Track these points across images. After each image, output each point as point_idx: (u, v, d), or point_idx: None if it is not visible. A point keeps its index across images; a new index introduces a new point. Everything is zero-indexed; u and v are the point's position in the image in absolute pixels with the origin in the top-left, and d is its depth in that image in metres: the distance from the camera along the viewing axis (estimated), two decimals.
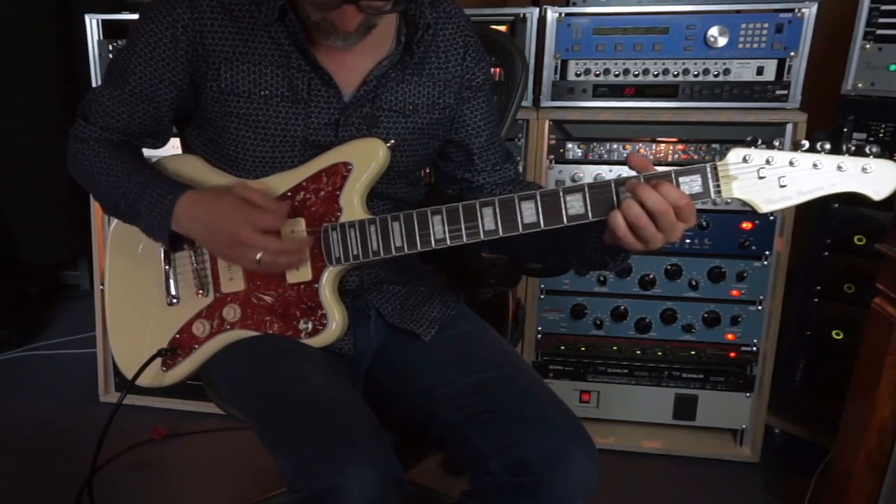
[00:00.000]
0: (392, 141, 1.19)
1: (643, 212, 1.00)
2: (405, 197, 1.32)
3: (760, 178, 1.00)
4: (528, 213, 1.08)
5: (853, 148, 0.98)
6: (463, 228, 1.11)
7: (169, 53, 1.17)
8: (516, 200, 1.08)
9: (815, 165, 0.99)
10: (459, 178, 1.34)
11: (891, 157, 0.98)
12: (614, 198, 1.04)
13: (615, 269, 1.16)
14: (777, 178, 1.00)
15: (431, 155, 1.33)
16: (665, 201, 0.99)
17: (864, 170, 0.97)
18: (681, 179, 1.02)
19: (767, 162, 1.00)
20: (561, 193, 1.06)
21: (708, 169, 1.01)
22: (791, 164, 0.99)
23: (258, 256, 1.12)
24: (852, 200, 0.99)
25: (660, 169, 1.03)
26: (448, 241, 1.12)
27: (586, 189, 1.05)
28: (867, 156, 0.97)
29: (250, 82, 1.17)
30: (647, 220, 1.00)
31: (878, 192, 0.98)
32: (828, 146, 0.98)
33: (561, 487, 1.05)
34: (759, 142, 1.00)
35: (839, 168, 0.98)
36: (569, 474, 1.05)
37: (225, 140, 1.22)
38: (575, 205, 1.06)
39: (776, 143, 1.00)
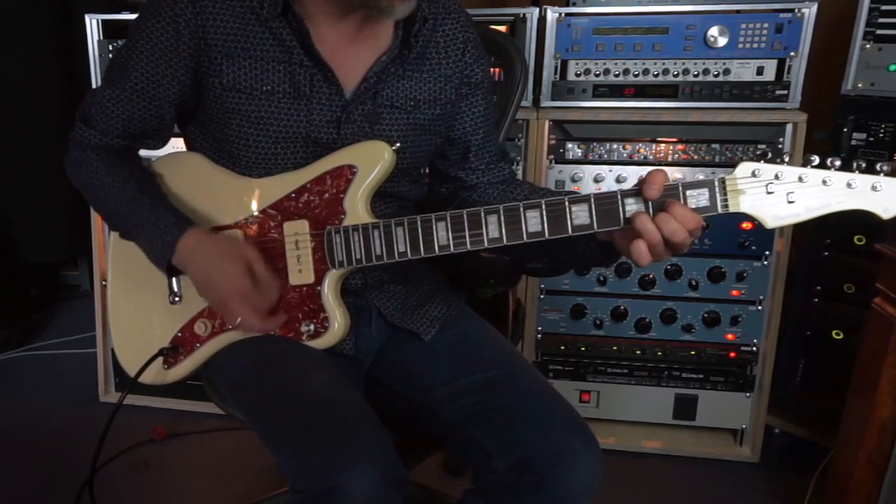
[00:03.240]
0: (398, 144, 1.19)
1: (661, 238, 1.00)
2: (408, 195, 1.33)
3: (769, 193, 0.99)
4: (533, 222, 1.07)
5: (863, 165, 0.96)
6: (467, 236, 1.10)
7: (171, 48, 1.17)
8: (521, 209, 1.07)
9: (824, 182, 0.97)
10: (453, 177, 1.34)
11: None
12: (620, 209, 1.04)
13: (610, 265, 1.16)
14: (786, 194, 0.99)
15: (433, 152, 1.33)
16: (683, 229, 1.00)
17: (873, 188, 0.96)
18: (688, 193, 1.01)
19: (776, 177, 0.99)
20: (566, 203, 1.06)
21: (716, 183, 1.00)
22: (800, 179, 0.98)
23: (237, 322, 1.18)
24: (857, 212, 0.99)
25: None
26: (452, 248, 1.11)
27: (592, 200, 1.05)
28: (878, 174, 0.96)
29: (252, 78, 1.17)
30: (661, 239, 1.00)
31: (887, 211, 0.97)
32: (838, 163, 0.97)
33: (565, 485, 1.05)
34: (769, 155, 0.99)
35: (849, 185, 0.97)
36: (573, 472, 1.05)
37: (227, 137, 1.22)
38: (580, 215, 1.05)
39: (785, 158, 0.99)
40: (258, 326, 1.18)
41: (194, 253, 1.17)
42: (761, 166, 0.99)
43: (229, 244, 1.19)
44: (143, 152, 1.30)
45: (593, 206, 1.05)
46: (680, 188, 1.02)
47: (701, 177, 1.03)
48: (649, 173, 1.02)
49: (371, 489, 0.98)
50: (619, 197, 1.04)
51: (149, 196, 1.21)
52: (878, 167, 0.96)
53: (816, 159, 0.98)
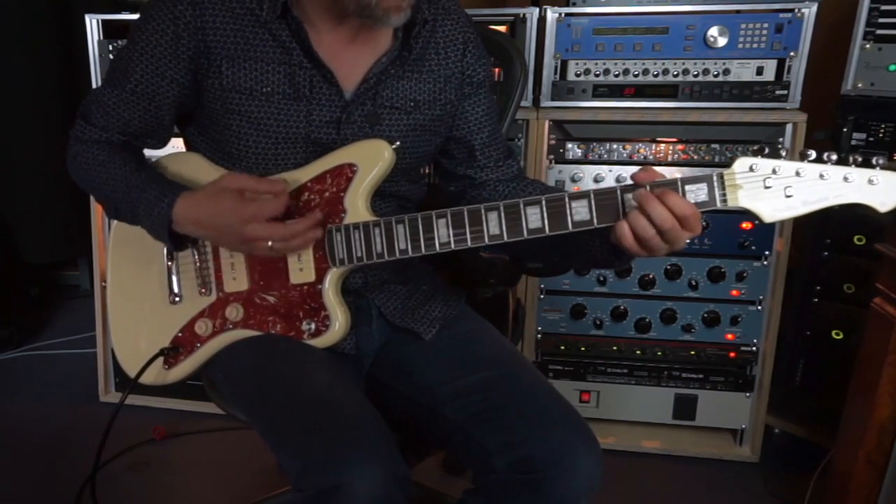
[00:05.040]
0: (398, 143, 1.19)
1: (650, 224, 1.00)
2: (407, 195, 1.33)
3: (766, 187, 1.00)
4: (534, 218, 1.07)
5: (860, 159, 0.97)
6: (468, 232, 1.11)
7: (171, 50, 1.18)
8: (521, 206, 1.08)
9: (821, 176, 0.98)
10: (461, 175, 1.34)
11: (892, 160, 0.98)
12: (620, 205, 1.04)
13: (620, 268, 1.17)
14: (783, 188, 1.00)
15: (433, 152, 1.33)
16: (672, 216, 0.99)
17: (870, 181, 0.97)
18: (687, 188, 1.02)
19: (774, 171, 1.00)
20: (566, 199, 1.06)
21: (714, 177, 1.01)
22: (797, 174, 0.99)
23: (270, 245, 1.13)
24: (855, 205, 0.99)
25: (663, 172, 1.03)
26: (452, 245, 1.12)
27: (592, 195, 1.05)
28: (874, 167, 0.97)
29: (252, 79, 1.18)
30: (654, 231, 1.00)
31: (884, 204, 0.98)
32: (834, 157, 0.98)
33: (565, 485, 1.05)
34: (766, 151, 1.00)
35: (845, 179, 0.98)
36: (573, 472, 1.06)
37: (227, 138, 1.22)
38: (580, 211, 1.06)
39: (783, 153, 1.00)
40: (286, 232, 1.13)
41: (192, 212, 1.16)
42: (759, 161, 1.00)
43: (212, 186, 1.17)
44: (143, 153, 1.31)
45: (593, 201, 1.05)
46: (679, 183, 1.02)
47: None
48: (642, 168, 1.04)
49: (375, 488, 0.98)
50: (618, 192, 1.04)
51: (143, 173, 1.20)
52: (874, 161, 0.97)
53: (813, 154, 0.99)
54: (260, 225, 1.12)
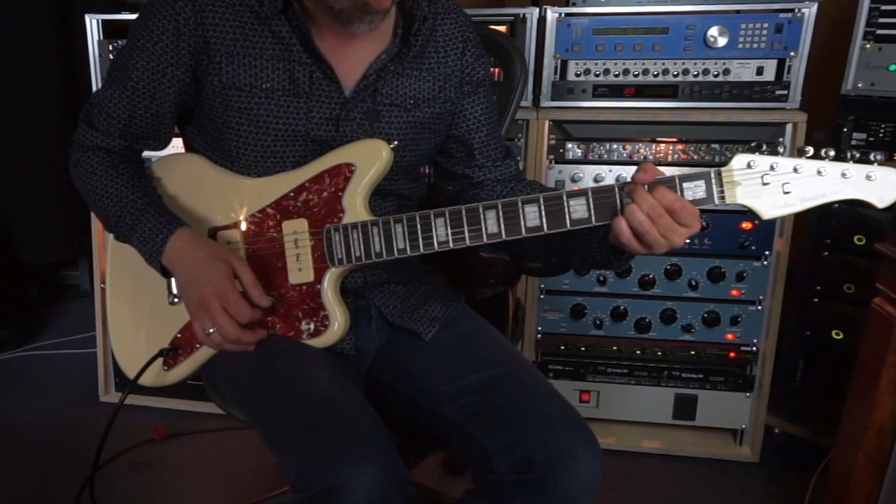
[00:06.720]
0: (396, 142, 1.19)
1: (646, 217, 1.00)
2: (407, 193, 1.33)
3: (764, 184, 1.00)
4: (532, 216, 1.08)
5: (857, 155, 0.97)
6: (466, 231, 1.11)
7: (171, 47, 1.18)
8: (519, 204, 1.08)
9: (819, 172, 0.98)
10: (459, 174, 1.35)
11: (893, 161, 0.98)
12: (618, 202, 1.04)
13: (619, 268, 1.16)
14: (781, 185, 1.00)
15: (433, 150, 1.34)
16: (659, 206, 1.00)
17: (868, 177, 0.97)
18: (685, 185, 1.02)
19: (771, 168, 1.00)
20: (564, 197, 1.06)
21: (712, 174, 1.02)
22: (795, 170, 0.99)
23: (210, 331, 1.14)
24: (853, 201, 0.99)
25: (664, 172, 1.03)
26: (451, 244, 1.12)
27: (590, 193, 1.05)
28: (871, 163, 0.97)
29: (251, 76, 1.18)
30: (651, 225, 1.00)
31: (882, 200, 0.98)
32: (832, 153, 0.98)
33: (565, 485, 1.05)
34: (764, 147, 1.00)
35: (843, 175, 0.98)
36: (573, 472, 1.05)
37: (226, 136, 1.22)
38: (578, 209, 1.06)
39: (780, 150, 1.00)
40: (232, 335, 1.13)
41: (182, 253, 1.17)
42: (756, 158, 1.00)
43: (217, 248, 1.18)
44: (144, 153, 1.31)
45: (591, 199, 1.05)
46: (676, 181, 1.02)
47: None
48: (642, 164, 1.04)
49: (372, 488, 0.98)
50: (616, 190, 1.04)
51: (142, 198, 1.21)
52: (872, 157, 0.97)
53: (811, 150, 0.99)
54: (222, 311, 1.12)
